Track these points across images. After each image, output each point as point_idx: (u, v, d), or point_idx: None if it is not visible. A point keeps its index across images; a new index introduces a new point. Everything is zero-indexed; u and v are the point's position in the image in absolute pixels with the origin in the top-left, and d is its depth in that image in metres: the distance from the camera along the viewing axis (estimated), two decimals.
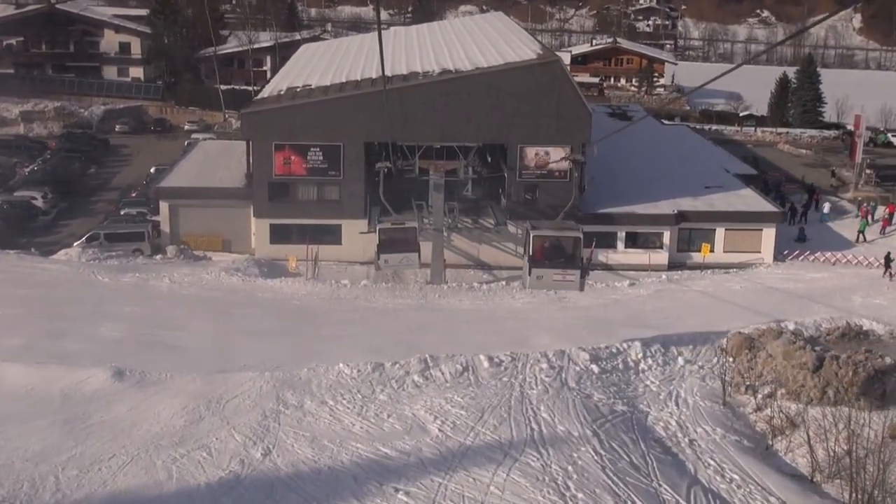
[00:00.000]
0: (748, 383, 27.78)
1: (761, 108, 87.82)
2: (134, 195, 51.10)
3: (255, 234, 42.57)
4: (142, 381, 25.00)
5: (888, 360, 27.08)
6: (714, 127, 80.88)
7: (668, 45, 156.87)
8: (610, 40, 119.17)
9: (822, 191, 55.74)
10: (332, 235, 42.12)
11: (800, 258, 43.82)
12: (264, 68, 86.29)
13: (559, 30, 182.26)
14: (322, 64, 51.31)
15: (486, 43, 48.29)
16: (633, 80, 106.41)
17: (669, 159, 54.05)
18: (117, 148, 66.52)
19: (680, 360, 28.87)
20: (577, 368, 27.31)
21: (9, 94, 75.68)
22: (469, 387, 25.59)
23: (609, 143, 39.36)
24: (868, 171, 58.68)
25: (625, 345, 29.08)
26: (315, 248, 41.04)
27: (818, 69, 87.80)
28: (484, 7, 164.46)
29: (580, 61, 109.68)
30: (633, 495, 20.45)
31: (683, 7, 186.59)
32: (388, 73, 41.23)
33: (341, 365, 26.19)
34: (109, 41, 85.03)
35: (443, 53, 46.93)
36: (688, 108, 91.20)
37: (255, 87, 73.30)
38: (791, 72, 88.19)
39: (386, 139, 38.19)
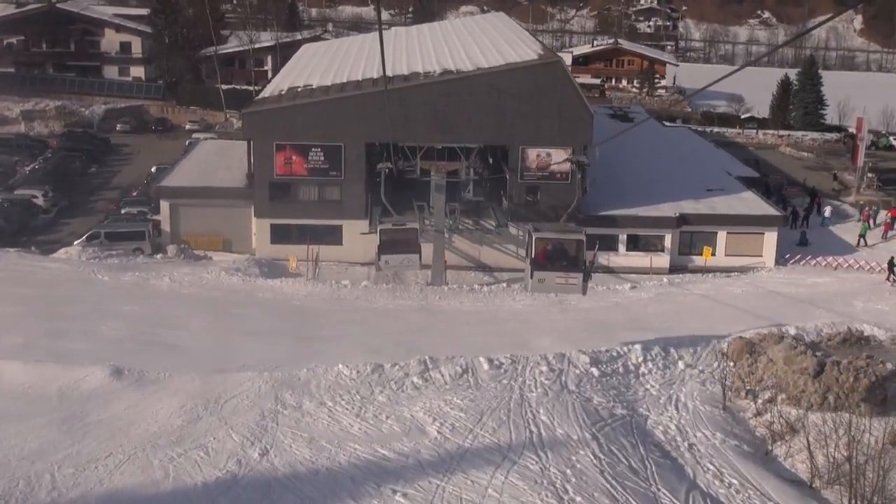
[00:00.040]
0: (748, 388, 27.70)
1: (763, 110, 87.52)
2: (135, 194, 51.08)
3: (256, 233, 42.55)
4: (140, 380, 25.00)
5: (889, 366, 26.97)
6: (715, 129, 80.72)
7: (669, 47, 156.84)
8: (611, 41, 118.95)
9: (824, 194, 55.66)
10: (332, 236, 42.09)
11: (801, 262, 43.70)
12: (265, 68, 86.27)
13: (560, 31, 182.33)
14: (323, 64, 51.26)
15: (487, 43, 48.22)
16: (635, 81, 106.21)
17: (671, 161, 53.97)
18: (118, 147, 66.48)
19: (680, 364, 28.79)
20: (577, 371, 27.23)
21: (10, 92, 75.86)
22: (468, 389, 25.53)
23: (610, 144, 39.23)
24: (870, 175, 58.67)
25: (625, 348, 29.01)
26: (316, 249, 41.04)
27: (819, 71, 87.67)
28: (485, 7, 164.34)
29: (581, 62, 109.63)
30: (631, 499, 20.40)
31: (684, 8, 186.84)
32: (389, 73, 41.20)
33: (340, 366, 26.16)
34: (110, 40, 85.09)
35: (444, 54, 46.87)
36: (689, 109, 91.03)
37: (255, 87, 73.36)
38: (792, 74, 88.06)
39: (387, 139, 38.14)
